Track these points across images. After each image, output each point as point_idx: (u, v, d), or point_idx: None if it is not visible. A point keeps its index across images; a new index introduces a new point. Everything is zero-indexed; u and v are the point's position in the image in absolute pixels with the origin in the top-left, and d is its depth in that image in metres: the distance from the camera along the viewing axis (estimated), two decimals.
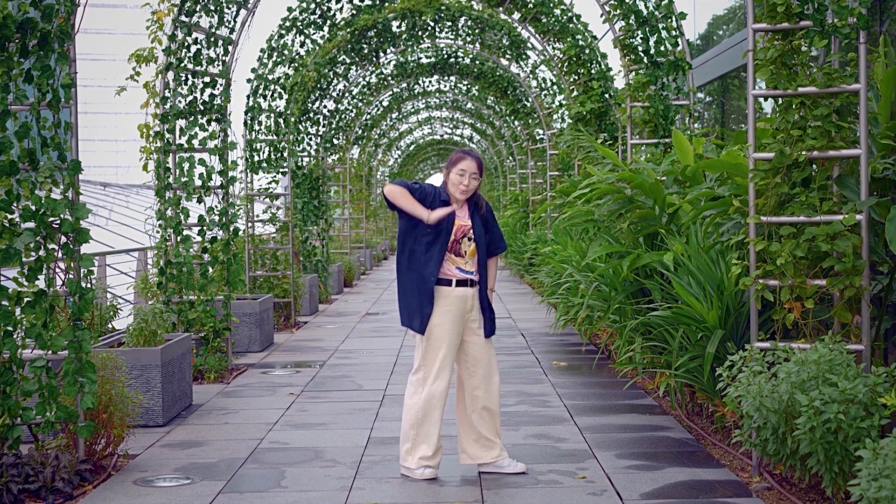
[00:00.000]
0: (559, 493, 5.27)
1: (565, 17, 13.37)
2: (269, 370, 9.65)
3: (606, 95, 12.91)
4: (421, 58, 19.31)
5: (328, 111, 17.31)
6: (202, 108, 9.18)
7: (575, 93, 13.36)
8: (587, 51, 13.25)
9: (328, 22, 13.37)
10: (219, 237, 9.29)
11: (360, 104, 21.09)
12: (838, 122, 5.19)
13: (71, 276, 5.80)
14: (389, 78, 20.31)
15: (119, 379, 6.14)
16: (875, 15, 7.95)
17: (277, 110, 13.25)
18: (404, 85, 22.64)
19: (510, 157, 27.58)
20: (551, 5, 13.36)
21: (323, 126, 16.94)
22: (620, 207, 7.89)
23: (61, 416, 5.62)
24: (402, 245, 5.69)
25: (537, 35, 13.88)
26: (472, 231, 5.68)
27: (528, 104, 19.04)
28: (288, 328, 13.11)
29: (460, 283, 5.63)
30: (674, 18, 9.64)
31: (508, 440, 6.47)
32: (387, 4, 14.18)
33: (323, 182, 16.43)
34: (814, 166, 5.31)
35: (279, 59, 13.00)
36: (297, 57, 13.36)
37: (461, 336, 5.67)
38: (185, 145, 9.11)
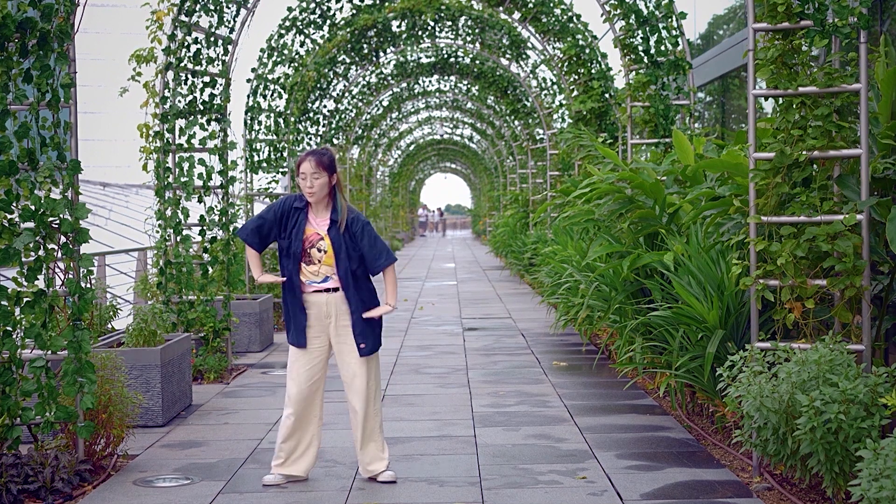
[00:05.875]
0: (559, 493, 5.27)
1: (565, 17, 13.37)
2: (269, 370, 9.64)
3: (606, 95, 12.91)
4: (421, 58, 19.30)
5: (328, 111, 17.30)
6: (202, 107, 9.18)
7: (575, 92, 13.35)
8: (587, 50, 13.24)
9: (328, 22, 13.36)
10: (219, 237, 9.28)
11: (360, 104, 21.08)
12: (839, 121, 5.18)
13: (70, 276, 5.79)
14: (389, 78, 20.30)
15: (119, 379, 6.13)
16: (875, 14, 7.95)
17: (277, 110, 13.24)
18: (404, 85, 22.63)
19: (510, 157, 27.58)
20: (551, 5, 13.35)
21: (323, 126, 16.93)
22: (621, 207, 7.88)
23: (61, 417, 5.62)
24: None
25: (537, 35, 13.87)
26: (323, 242, 5.43)
27: (528, 104, 19.03)
28: None
29: (317, 292, 5.50)
30: (674, 18, 9.63)
31: (508, 440, 6.47)
32: (387, 4, 14.17)
33: None
34: (814, 166, 5.30)
35: (279, 59, 12.98)
36: (296, 57, 13.35)
37: (326, 342, 5.56)
38: (185, 145, 9.11)
